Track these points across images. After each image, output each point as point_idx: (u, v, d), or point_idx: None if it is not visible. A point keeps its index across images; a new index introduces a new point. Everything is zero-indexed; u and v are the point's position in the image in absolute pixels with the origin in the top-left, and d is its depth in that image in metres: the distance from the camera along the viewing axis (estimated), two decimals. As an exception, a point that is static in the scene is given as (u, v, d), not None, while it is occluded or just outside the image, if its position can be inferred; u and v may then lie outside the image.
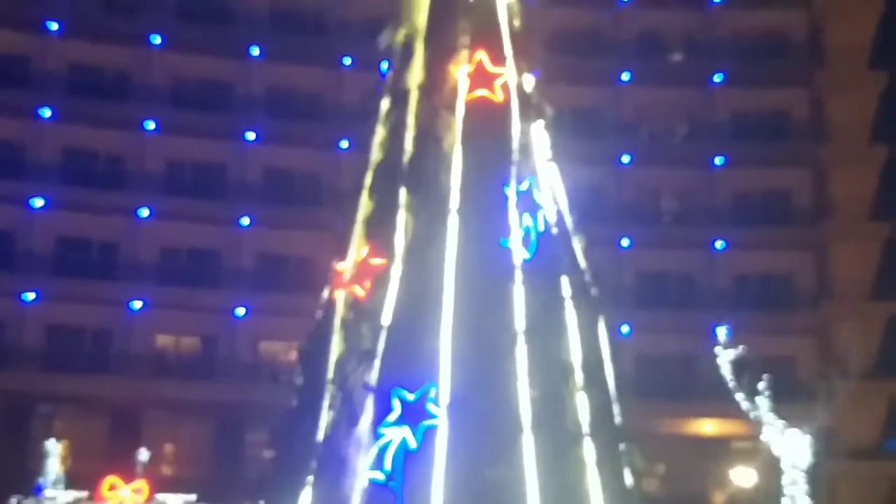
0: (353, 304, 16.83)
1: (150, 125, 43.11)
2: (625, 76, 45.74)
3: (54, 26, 43.26)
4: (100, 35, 43.16)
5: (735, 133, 45.48)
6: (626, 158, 44.93)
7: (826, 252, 44.02)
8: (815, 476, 25.72)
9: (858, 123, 44.79)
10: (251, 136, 43.71)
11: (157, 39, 43.95)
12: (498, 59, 18.09)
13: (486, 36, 18.22)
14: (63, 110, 42.39)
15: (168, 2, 44.49)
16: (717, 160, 44.96)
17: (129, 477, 29.50)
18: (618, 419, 17.00)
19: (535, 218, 16.78)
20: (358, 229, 17.53)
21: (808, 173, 44.91)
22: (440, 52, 18.09)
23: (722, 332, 25.85)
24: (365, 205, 17.62)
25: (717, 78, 45.74)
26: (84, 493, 29.96)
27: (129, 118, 42.96)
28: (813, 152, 44.89)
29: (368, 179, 17.88)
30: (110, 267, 42.14)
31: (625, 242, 43.58)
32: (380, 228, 16.96)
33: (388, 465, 15.05)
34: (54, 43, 43.19)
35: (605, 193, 43.52)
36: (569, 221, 17.65)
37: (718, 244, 44.09)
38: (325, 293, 17.68)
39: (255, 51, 44.54)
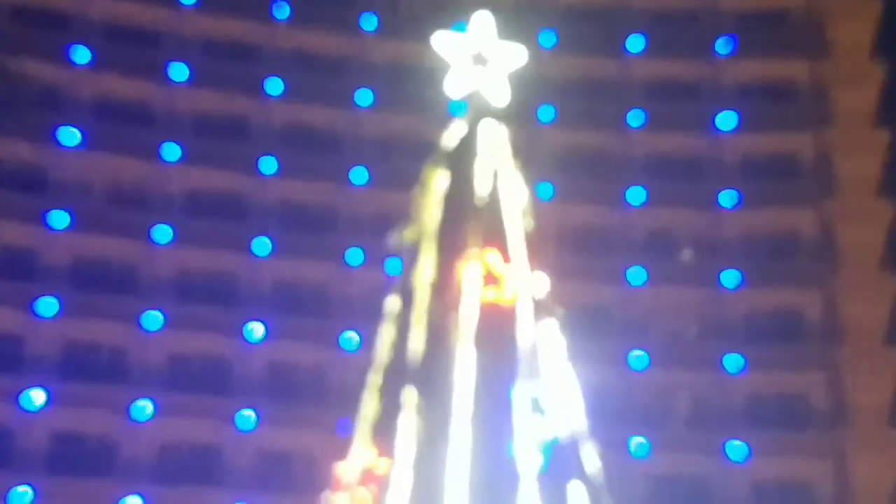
0: (358, 509, 16.72)
1: (156, 318, 43.45)
2: (634, 273, 46.17)
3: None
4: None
5: (748, 334, 45.63)
6: (637, 358, 44.93)
7: (845, 459, 43.54)
8: None
9: (874, 326, 44.96)
10: (257, 331, 43.93)
11: (166, 234, 44.75)
12: (508, 259, 18.45)
13: (497, 237, 18.66)
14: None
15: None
16: (731, 362, 44.94)
17: None
18: None
19: (544, 423, 16.81)
20: (363, 430, 17.55)
21: (824, 376, 44.83)
22: (451, 252, 18.53)
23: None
24: (371, 405, 17.69)
25: (729, 279, 46.12)
26: None
27: (131, 312, 43.33)
28: (828, 354, 44.90)
29: (375, 379, 18.00)
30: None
31: (636, 445, 43.15)
32: (386, 430, 16.98)
33: None
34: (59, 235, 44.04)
35: (613, 394, 43.32)
36: (580, 426, 17.66)
37: (733, 449, 43.64)
38: (327, 495, 17.59)
39: (264, 244, 45.16)
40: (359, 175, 46.65)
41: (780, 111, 48.19)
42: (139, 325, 43.26)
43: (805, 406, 44.94)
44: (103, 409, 41.74)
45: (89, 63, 46.21)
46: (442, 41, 20.59)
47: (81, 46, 46.19)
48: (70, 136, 45.06)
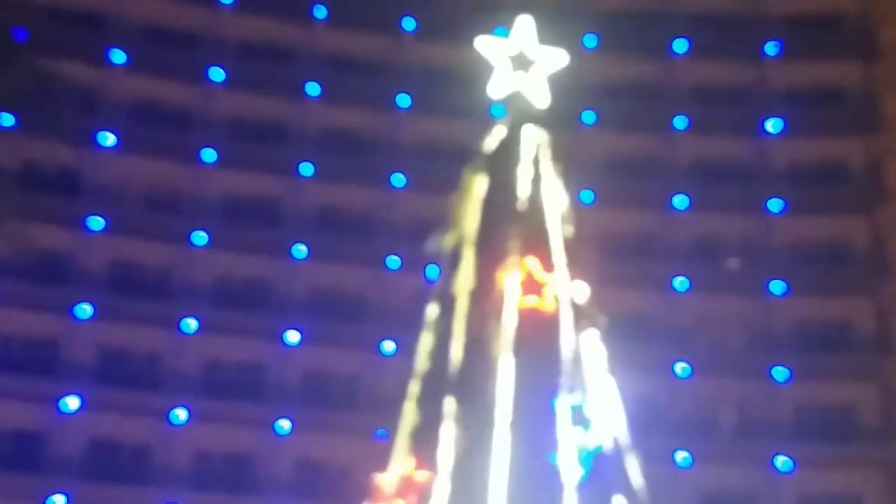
0: (396, 520, 16.79)
1: (192, 323, 43.70)
2: (679, 281, 46.01)
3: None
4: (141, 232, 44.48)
5: (796, 345, 45.32)
6: (681, 368, 44.77)
7: (894, 472, 43.17)
8: None
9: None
10: (293, 337, 44.13)
11: (202, 238, 45.04)
12: (549, 266, 18.45)
13: (537, 243, 18.68)
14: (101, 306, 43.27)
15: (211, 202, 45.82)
16: (778, 373, 44.70)
17: None
18: None
19: (586, 434, 16.81)
20: (402, 440, 17.59)
21: (874, 388, 44.47)
22: (490, 258, 18.55)
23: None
24: (410, 415, 17.73)
25: (776, 287, 45.84)
26: None
27: (167, 316, 43.64)
28: (878, 366, 44.55)
29: (414, 388, 18.04)
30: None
31: (681, 457, 43.00)
32: (425, 440, 17.02)
33: None
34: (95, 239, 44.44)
35: (658, 404, 43.20)
36: (623, 438, 17.63)
37: (780, 461, 43.39)
38: (365, 507, 17.65)
39: (301, 249, 45.36)
40: (397, 179, 46.83)
41: (829, 116, 47.88)
42: (175, 330, 43.60)
43: (854, 418, 44.57)
44: (138, 415, 42.06)
45: (126, 64, 46.65)
46: (485, 45, 20.68)
47: (118, 48, 46.64)
48: (106, 138, 45.51)
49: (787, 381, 44.60)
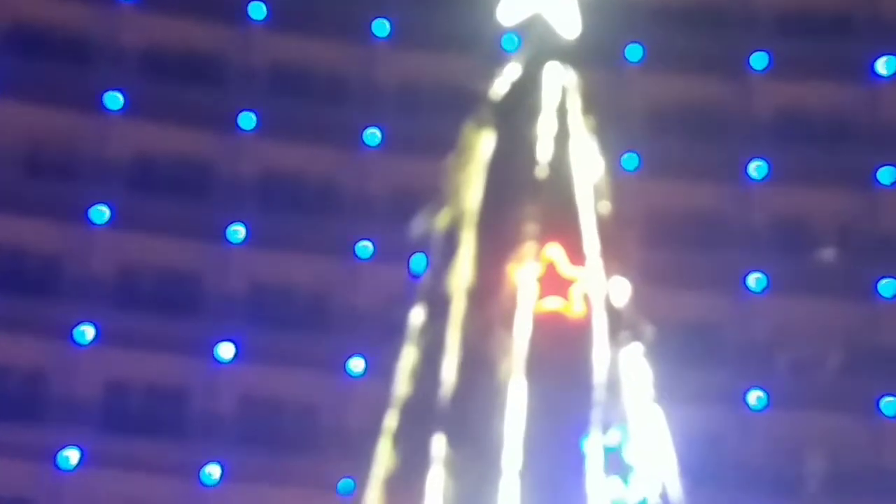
0: None
1: (88, 332, 43.85)
2: (754, 279, 46.21)
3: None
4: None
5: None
6: (755, 397, 44.98)
7: None
8: None
9: None
10: (225, 351, 44.22)
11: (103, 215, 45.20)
12: (577, 257, 18.52)
13: (562, 225, 18.71)
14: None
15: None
16: (889, 405, 44.94)
17: None
18: None
19: (626, 486, 16.94)
20: (374, 493, 17.72)
21: None
22: (497, 245, 18.60)
23: None
24: (385, 457, 17.85)
25: (887, 288, 46.04)
26: None
27: (55, 322, 43.80)
28: None
29: (391, 421, 18.15)
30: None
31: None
32: (406, 491, 17.14)
33: None
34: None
35: (725, 445, 43.45)
36: (675, 490, 17.77)
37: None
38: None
39: (238, 231, 45.47)
40: (371, 137, 46.93)
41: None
42: (66, 340, 43.67)
43: None
44: (16, 458, 42.16)
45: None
46: (491, -47, 20.81)
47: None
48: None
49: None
